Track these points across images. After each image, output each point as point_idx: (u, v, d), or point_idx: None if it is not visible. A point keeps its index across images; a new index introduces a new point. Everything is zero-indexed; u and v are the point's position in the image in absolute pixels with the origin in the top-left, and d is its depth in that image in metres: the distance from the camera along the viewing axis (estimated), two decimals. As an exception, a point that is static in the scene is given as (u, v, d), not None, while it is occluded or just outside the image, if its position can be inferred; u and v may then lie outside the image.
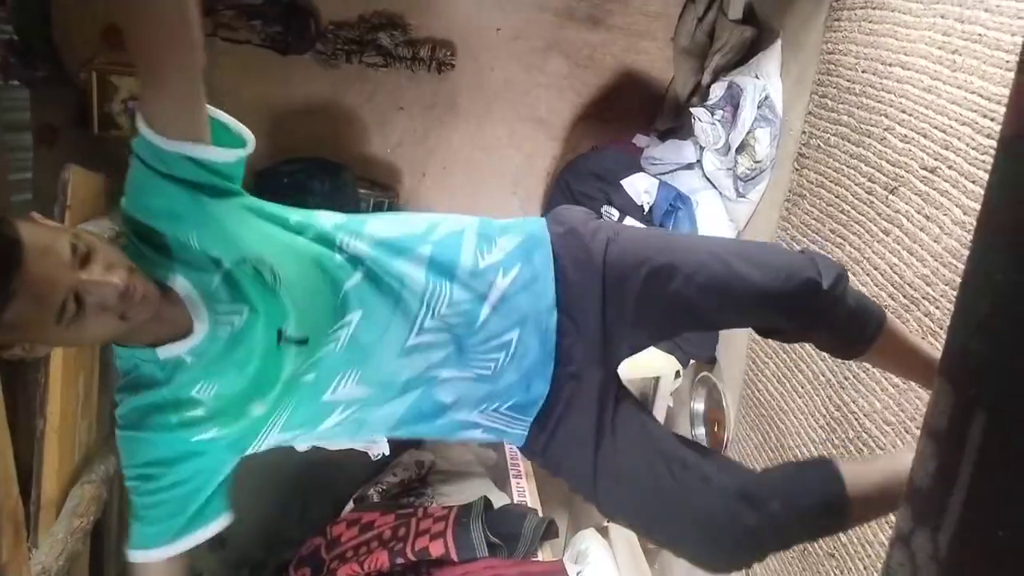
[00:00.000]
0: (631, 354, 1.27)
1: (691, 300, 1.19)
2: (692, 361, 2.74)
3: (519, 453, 1.42)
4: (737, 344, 2.42)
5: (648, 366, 2.77)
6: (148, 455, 1.11)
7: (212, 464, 1.17)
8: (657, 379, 3.02)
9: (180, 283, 1.04)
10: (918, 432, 1.13)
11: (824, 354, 1.86)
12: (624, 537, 2.51)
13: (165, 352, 1.06)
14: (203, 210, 1.05)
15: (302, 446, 1.37)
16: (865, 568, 1.64)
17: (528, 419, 1.24)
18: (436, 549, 2.18)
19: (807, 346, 1.94)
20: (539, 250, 1.23)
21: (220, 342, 1.06)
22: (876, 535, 1.61)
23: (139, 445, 1.11)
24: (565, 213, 1.30)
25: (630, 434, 1.23)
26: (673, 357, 2.65)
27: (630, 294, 1.19)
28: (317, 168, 2.60)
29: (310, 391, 1.15)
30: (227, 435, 1.13)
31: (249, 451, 1.21)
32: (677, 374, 2.89)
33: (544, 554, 2.30)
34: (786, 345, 2.04)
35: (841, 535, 1.72)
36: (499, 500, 2.53)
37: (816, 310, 1.21)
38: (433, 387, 1.19)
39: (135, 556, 1.15)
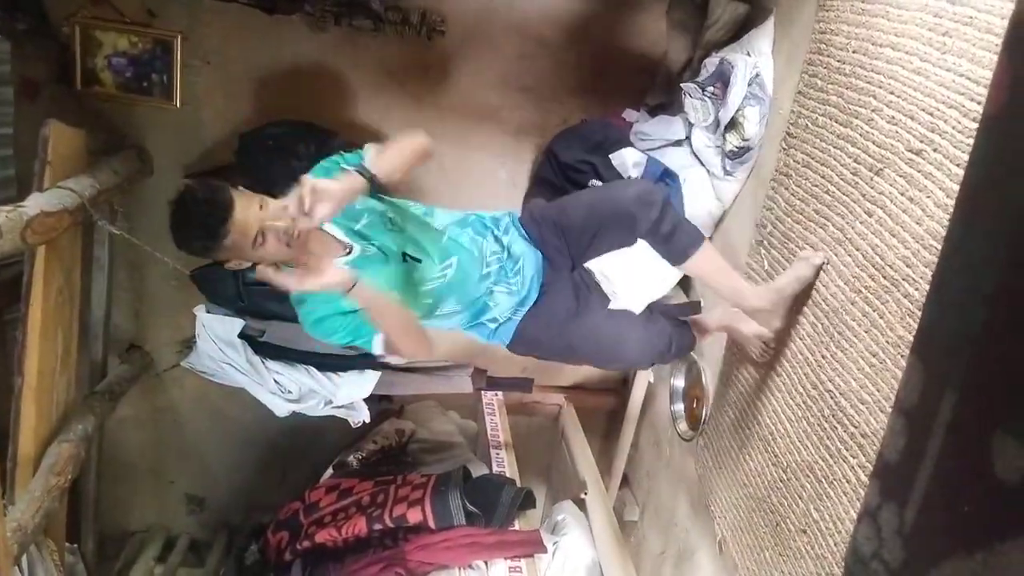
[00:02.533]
0: (585, 262, 2.07)
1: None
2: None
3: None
4: (719, 321, 2.43)
5: (630, 341, 2.79)
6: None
7: None
8: (638, 354, 3.04)
9: (330, 226, 1.74)
10: (891, 409, 1.15)
11: (803, 334, 1.88)
12: (601, 509, 2.54)
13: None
14: None
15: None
16: (836, 544, 1.67)
17: (525, 309, 2.01)
18: (414, 516, 2.19)
19: (786, 325, 1.95)
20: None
21: (364, 259, 1.75)
22: (847, 512, 1.64)
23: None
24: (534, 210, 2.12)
25: (592, 305, 2.06)
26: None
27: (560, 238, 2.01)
28: (304, 132, 2.58)
29: (428, 308, 1.87)
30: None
31: None
32: (658, 350, 2.91)
33: (521, 524, 2.32)
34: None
35: (813, 511, 1.75)
36: (478, 470, 2.55)
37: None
38: (488, 298, 1.96)
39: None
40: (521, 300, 1.99)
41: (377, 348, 1.75)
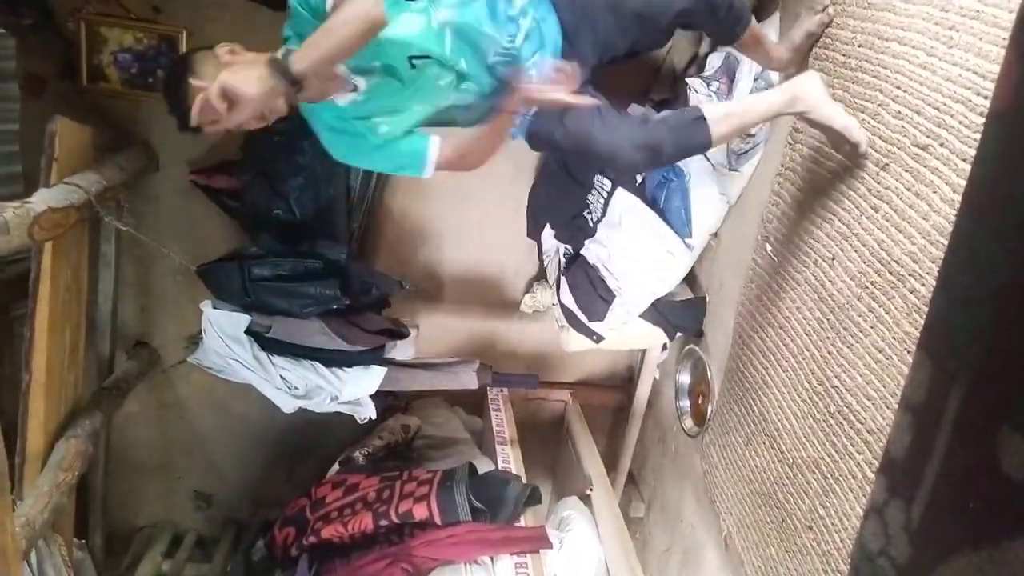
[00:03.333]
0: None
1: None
2: (679, 334, 2.75)
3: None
4: (724, 319, 2.43)
5: (636, 338, 2.79)
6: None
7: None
8: (644, 351, 3.04)
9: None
10: (898, 405, 1.15)
11: (809, 329, 1.87)
12: (606, 505, 2.54)
13: (342, 99, 1.73)
14: None
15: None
16: (842, 540, 1.67)
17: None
18: (420, 512, 2.20)
19: (793, 320, 1.95)
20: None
21: (375, 88, 1.71)
22: (853, 508, 1.64)
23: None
24: None
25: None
26: (660, 330, 2.66)
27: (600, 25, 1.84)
28: (309, 129, 2.57)
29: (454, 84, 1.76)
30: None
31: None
32: (664, 346, 2.91)
33: (527, 520, 2.32)
34: (772, 320, 2.06)
35: (819, 507, 1.75)
36: (483, 466, 2.55)
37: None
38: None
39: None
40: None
41: (429, 169, 1.77)
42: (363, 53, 1.58)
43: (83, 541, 2.56)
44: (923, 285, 1.49)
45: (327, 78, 1.66)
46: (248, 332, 2.40)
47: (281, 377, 2.45)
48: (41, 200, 1.89)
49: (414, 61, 1.68)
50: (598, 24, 1.84)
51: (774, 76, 2.22)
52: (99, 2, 2.50)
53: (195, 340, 2.58)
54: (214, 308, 2.45)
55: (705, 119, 1.72)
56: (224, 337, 2.42)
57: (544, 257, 2.91)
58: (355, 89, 1.72)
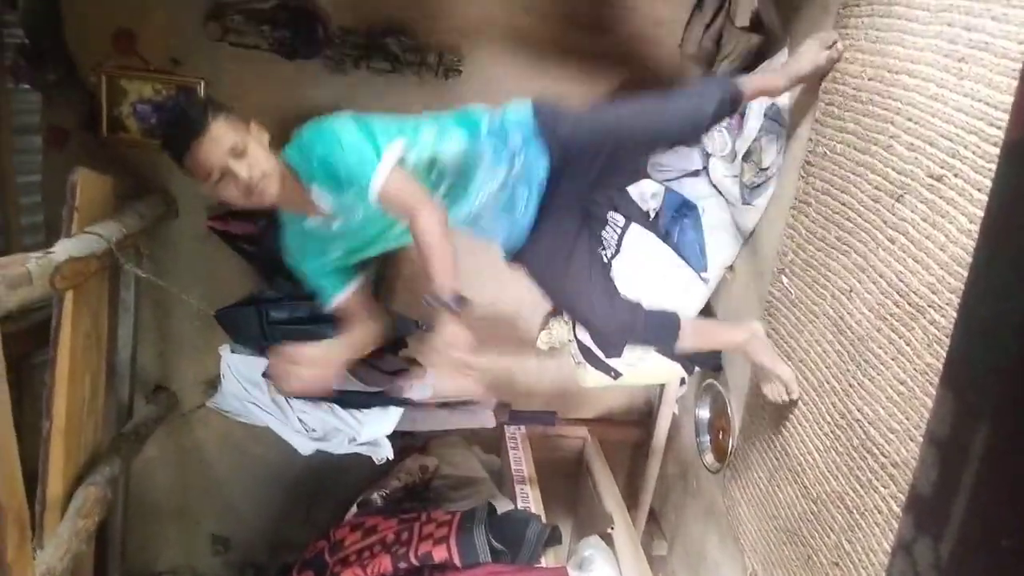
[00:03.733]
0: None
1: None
2: (697, 369, 2.73)
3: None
4: (742, 351, 2.41)
5: (653, 373, 2.77)
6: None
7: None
8: (663, 386, 3.02)
9: (319, 193, 1.72)
10: (922, 439, 1.13)
11: (830, 362, 1.86)
12: (628, 544, 2.50)
13: (312, 221, 1.80)
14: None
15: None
16: (869, 577, 1.63)
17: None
18: (439, 554, 2.17)
19: (812, 353, 1.93)
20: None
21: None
22: (880, 544, 1.60)
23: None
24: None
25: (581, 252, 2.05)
26: (678, 364, 2.64)
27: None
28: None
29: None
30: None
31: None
32: (682, 381, 2.89)
33: (547, 560, 2.29)
34: (791, 353, 2.04)
35: (845, 543, 1.71)
36: (502, 506, 2.53)
37: None
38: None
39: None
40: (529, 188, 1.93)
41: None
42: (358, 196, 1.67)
43: (102, 588, 2.55)
44: (943, 316, 1.48)
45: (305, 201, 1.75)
46: (266, 375, 2.41)
47: (299, 419, 2.46)
48: (63, 250, 1.91)
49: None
50: (583, 166, 1.93)
51: (786, 115, 2.23)
52: (120, 56, 2.57)
53: (213, 384, 2.59)
54: (232, 352, 2.47)
55: (679, 327, 2.04)
56: (242, 380, 2.43)
57: (560, 294, 2.91)
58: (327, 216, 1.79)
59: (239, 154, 1.61)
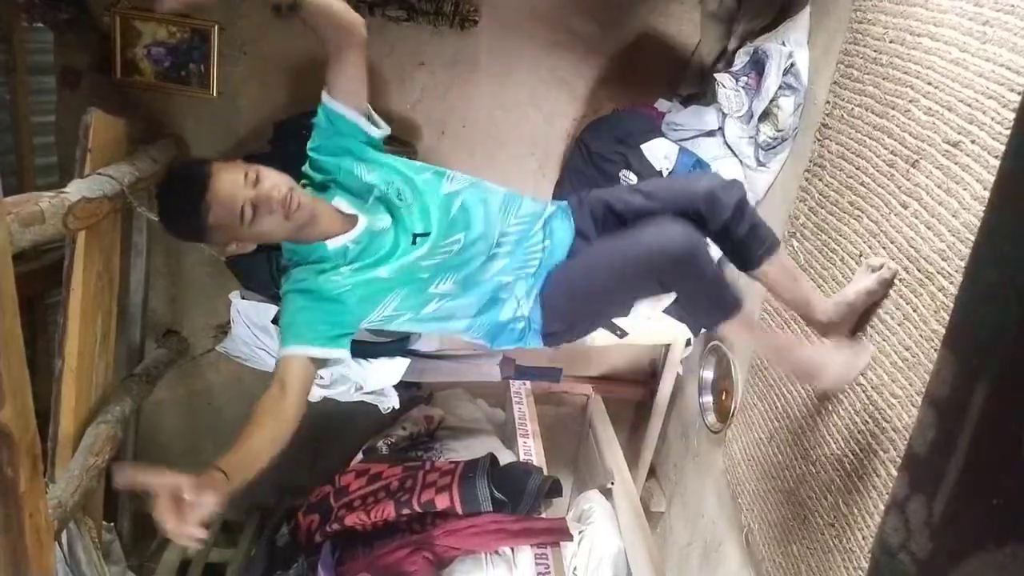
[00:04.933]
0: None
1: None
2: (703, 330, 2.74)
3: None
4: (749, 314, 2.42)
5: (659, 334, 2.78)
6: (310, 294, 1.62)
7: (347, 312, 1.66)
8: (668, 346, 3.03)
9: (339, 202, 1.68)
10: (921, 401, 1.14)
11: (835, 326, 1.86)
12: (627, 499, 2.54)
13: (334, 243, 1.65)
14: (366, 154, 1.75)
15: (409, 327, 1.86)
16: (864, 539, 1.66)
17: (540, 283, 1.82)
18: (442, 502, 2.21)
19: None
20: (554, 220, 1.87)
21: (371, 234, 1.66)
22: (876, 506, 1.63)
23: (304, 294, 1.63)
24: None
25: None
26: (684, 326, 2.65)
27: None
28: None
29: (421, 283, 1.69)
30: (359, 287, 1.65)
31: (374, 313, 1.69)
32: (688, 342, 2.90)
33: (547, 512, 2.33)
34: (797, 316, 2.04)
35: (842, 505, 1.74)
36: (505, 458, 2.56)
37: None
38: (498, 282, 1.77)
39: (291, 350, 1.65)
40: (535, 275, 1.80)
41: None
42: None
43: (111, 524, 2.60)
44: (952, 283, 1.48)
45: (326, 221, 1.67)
46: (275, 322, 2.44)
47: (307, 367, 2.48)
48: (76, 190, 1.92)
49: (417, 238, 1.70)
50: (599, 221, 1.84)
51: (804, 76, 2.20)
52: (134, -4, 2.54)
53: (224, 329, 2.61)
54: (242, 298, 2.48)
55: (740, 310, 1.69)
56: (252, 326, 2.46)
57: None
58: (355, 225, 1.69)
59: (256, 181, 1.51)
